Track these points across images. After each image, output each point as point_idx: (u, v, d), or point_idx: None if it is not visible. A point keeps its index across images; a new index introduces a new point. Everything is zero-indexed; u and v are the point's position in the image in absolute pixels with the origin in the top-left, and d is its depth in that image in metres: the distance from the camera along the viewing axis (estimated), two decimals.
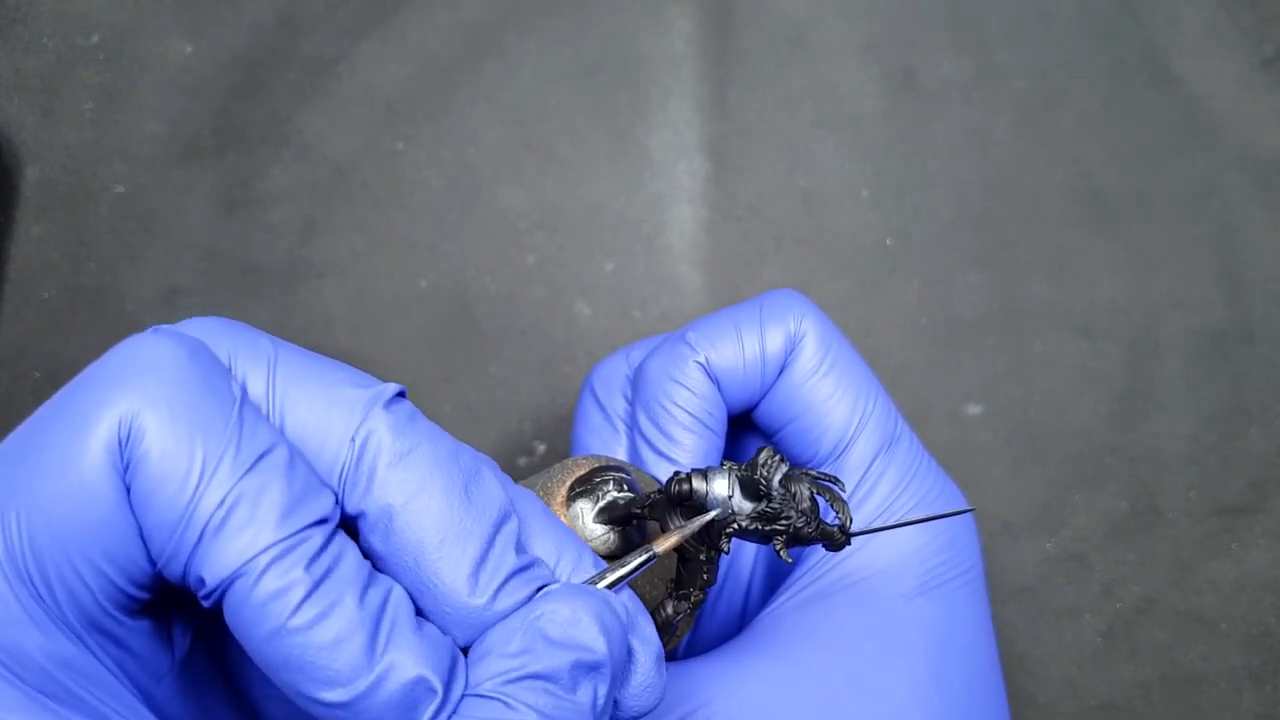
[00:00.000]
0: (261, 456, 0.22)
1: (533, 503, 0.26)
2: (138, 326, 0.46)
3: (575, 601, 0.23)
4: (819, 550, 0.34)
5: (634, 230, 0.47)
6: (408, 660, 0.22)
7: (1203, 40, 0.49)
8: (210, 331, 0.24)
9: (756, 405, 0.35)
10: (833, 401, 0.34)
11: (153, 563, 0.22)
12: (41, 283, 0.47)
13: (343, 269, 0.47)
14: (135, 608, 0.23)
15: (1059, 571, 0.45)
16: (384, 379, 0.25)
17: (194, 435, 0.22)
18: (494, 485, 0.25)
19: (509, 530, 0.24)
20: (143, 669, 0.24)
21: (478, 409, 0.46)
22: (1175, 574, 0.45)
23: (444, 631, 0.23)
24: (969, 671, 0.33)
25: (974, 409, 0.46)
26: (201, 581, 0.22)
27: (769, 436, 0.36)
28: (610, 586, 0.25)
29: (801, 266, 0.47)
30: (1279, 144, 0.48)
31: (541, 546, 0.25)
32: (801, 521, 0.26)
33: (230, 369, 0.24)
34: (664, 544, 0.26)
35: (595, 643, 0.23)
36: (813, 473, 0.27)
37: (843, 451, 0.34)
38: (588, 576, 0.25)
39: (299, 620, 0.21)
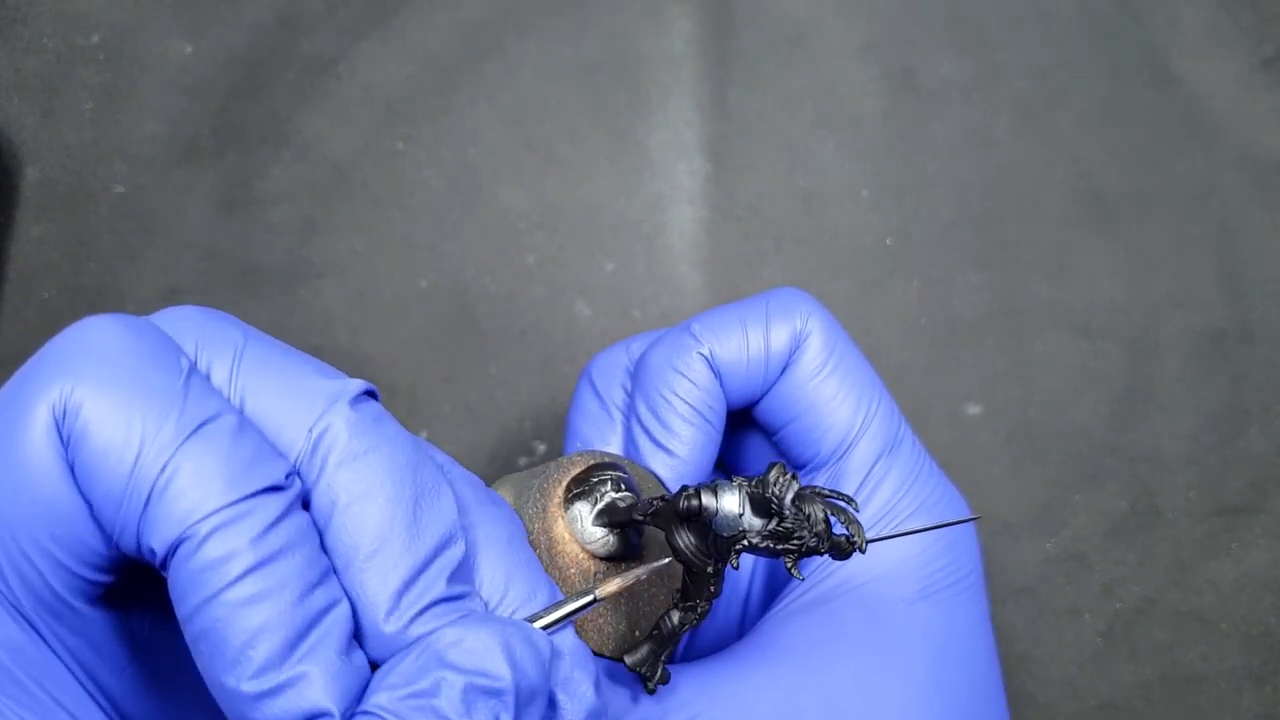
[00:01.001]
0: (207, 422, 0.22)
1: (501, 528, 0.25)
2: None
3: (482, 629, 0.22)
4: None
5: (634, 230, 0.47)
6: (319, 679, 0.21)
7: (1203, 40, 0.49)
8: (179, 319, 0.24)
9: (757, 402, 0.35)
10: (836, 402, 0.34)
11: (107, 541, 0.22)
12: (41, 283, 0.47)
13: (343, 269, 0.47)
14: (94, 594, 0.23)
15: (1059, 571, 0.45)
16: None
17: (133, 405, 0.21)
18: (448, 506, 0.24)
19: (450, 555, 0.23)
20: (102, 660, 0.24)
21: (478, 409, 0.46)
22: (1175, 574, 0.45)
23: (363, 648, 0.23)
24: (970, 675, 0.33)
25: (974, 409, 0.46)
26: (153, 552, 0.21)
27: (769, 435, 0.36)
28: (545, 627, 0.24)
29: (801, 266, 0.47)
30: (1279, 144, 0.48)
31: (491, 577, 0.24)
32: (815, 541, 0.26)
33: (195, 355, 0.23)
34: (607, 589, 0.26)
35: (497, 669, 0.22)
36: (825, 491, 0.26)
37: (845, 453, 0.34)
38: (537, 613, 0.24)
39: (232, 595, 0.21)
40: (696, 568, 0.28)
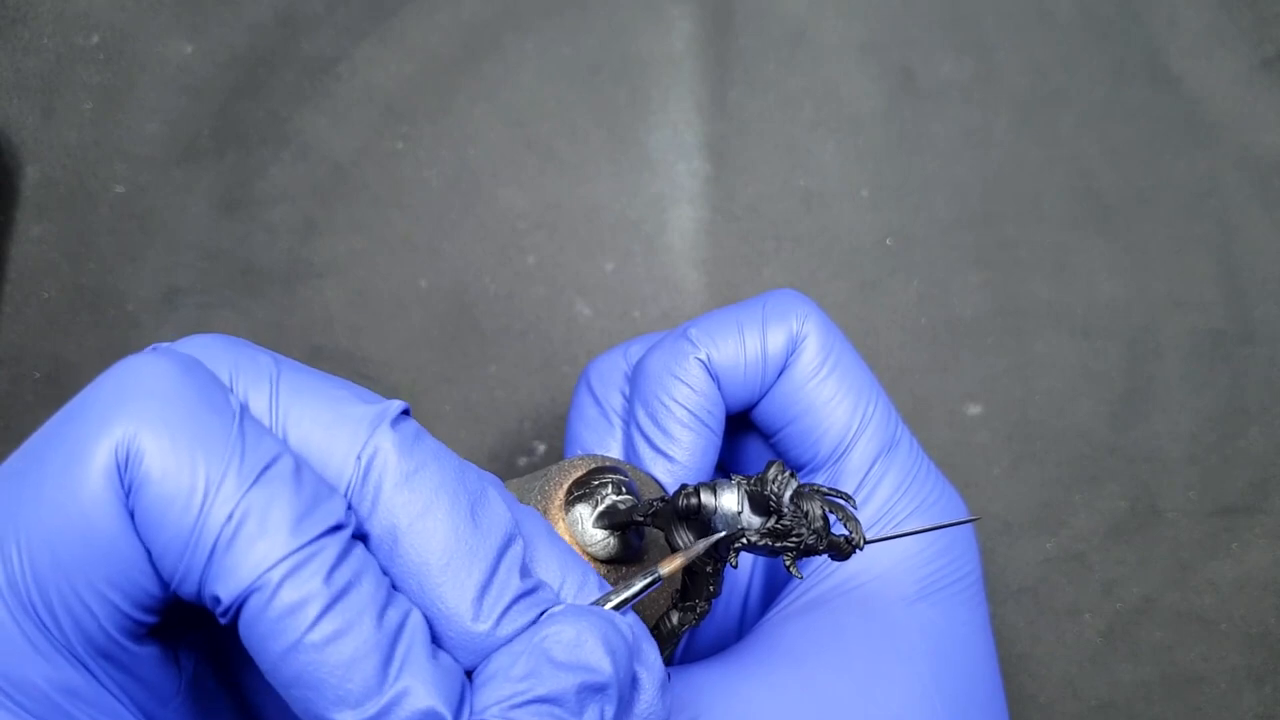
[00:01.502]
0: (267, 467, 0.22)
1: (537, 522, 0.26)
2: (138, 326, 0.46)
3: (580, 623, 0.23)
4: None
5: (634, 230, 0.47)
6: (420, 688, 0.21)
7: (1203, 40, 0.49)
8: (209, 349, 0.24)
9: (755, 405, 0.35)
10: (833, 404, 0.34)
11: (163, 586, 0.22)
12: (41, 283, 0.47)
13: (343, 269, 0.47)
14: (141, 633, 0.23)
15: (1059, 571, 0.45)
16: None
17: (195, 452, 0.21)
18: (500, 506, 0.24)
19: (514, 553, 0.24)
20: (150, 693, 0.24)
21: (478, 409, 0.46)
22: (1175, 574, 0.45)
23: (449, 654, 0.23)
24: (970, 675, 0.33)
25: (974, 409, 0.46)
26: (217, 600, 0.21)
27: (767, 437, 0.36)
28: (615, 609, 0.25)
29: (801, 266, 0.47)
30: (1279, 144, 0.48)
31: (546, 569, 0.25)
32: (813, 539, 0.26)
33: (231, 386, 0.23)
34: (669, 566, 0.26)
35: (601, 664, 0.22)
36: (823, 489, 0.27)
37: (843, 454, 0.34)
38: (592, 599, 0.25)
39: (315, 636, 0.21)
40: (695, 567, 0.28)
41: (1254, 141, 0.48)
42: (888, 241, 0.48)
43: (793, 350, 0.34)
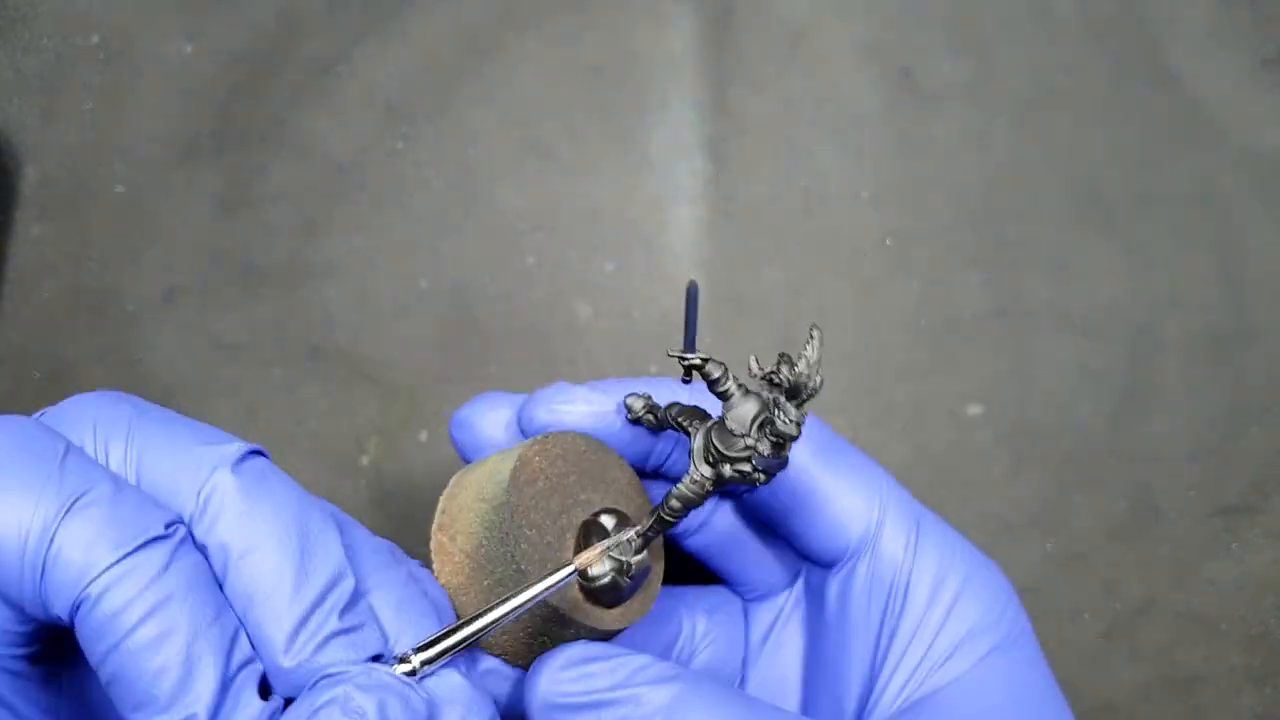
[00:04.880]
0: (84, 493, 0.24)
1: (386, 565, 0.27)
2: (138, 326, 0.46)
3: (364, 692, 0.24)
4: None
5: (634, 230, 0.47)
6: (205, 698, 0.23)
7: (1203, 40, 0.49)
8: (79, 405, 0.26)
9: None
10: (845, 486, 0.34)
11: (25, 617, 0.24)
12: (41, 283, 0.47)
13: (343, 269, 0.47)
14: (29, 659, 0.25)
15: (1059, 571, 0.45)
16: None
17: (13, 494, 0.23)
18: (333, 548, 0.26)
19: (339, 593, 0.25)
20: (39, 710, 0.26)
21: None
22: (1175, 574, 0.45)
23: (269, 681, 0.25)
24: None
25: (974, 409, 0.46)
26: (58, 618, 0.23)
27: (772, 527, 0.35)
28: (432, 659, 0.26)
29: (801, 266, 0.47)
30: (1279, 144, 0.48)
31: (383, 611, 0.26)
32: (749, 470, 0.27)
33: (95, 434, 0.25)
34: (583, 558, 0.28)
35: None
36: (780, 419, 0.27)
37: (876, 536, 0.33)
38: (424, 641, 0.26)
39: (132, 642, 0.23)
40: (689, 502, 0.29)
41: (1254, 141, 0.48)
42: (888, 241, 0.48)
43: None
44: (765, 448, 0.27)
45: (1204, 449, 0.46)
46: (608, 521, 0.31)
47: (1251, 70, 0.48)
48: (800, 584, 0.36)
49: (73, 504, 0.23)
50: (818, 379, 0.26)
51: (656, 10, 0.49)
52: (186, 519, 0.25)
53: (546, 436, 0.32)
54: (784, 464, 0.28)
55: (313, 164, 0.47)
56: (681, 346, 0.29)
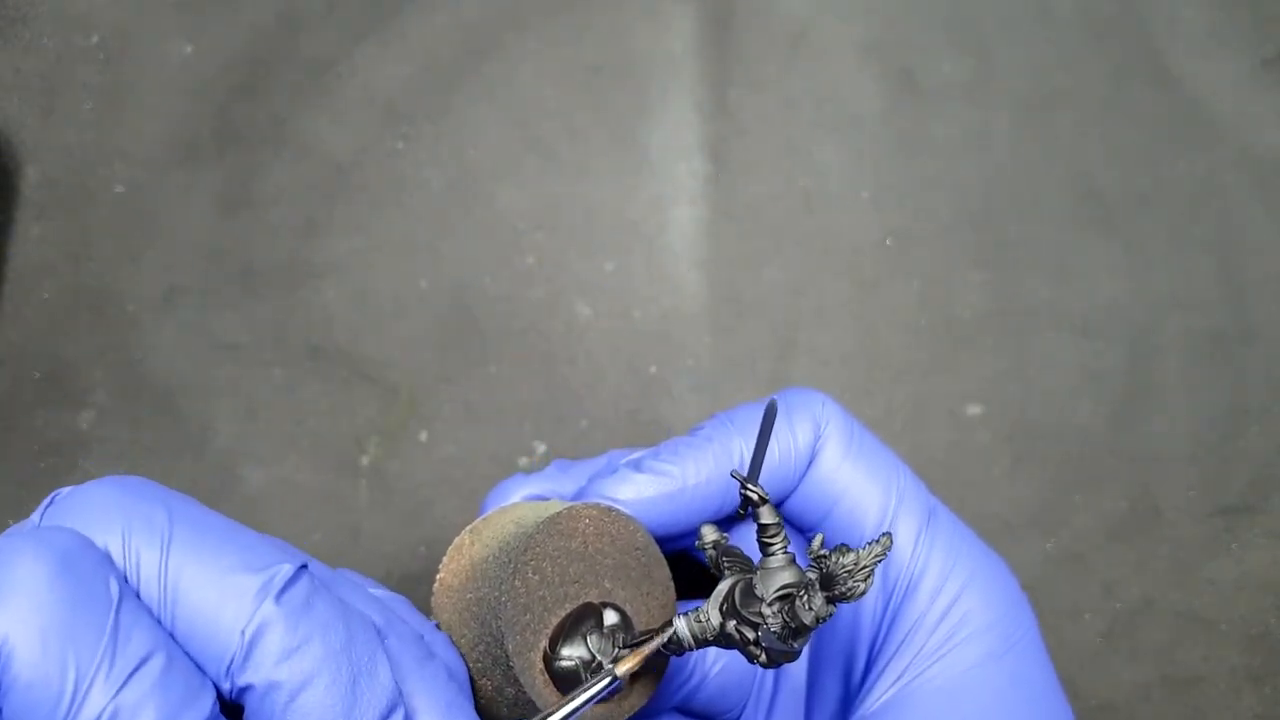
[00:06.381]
0: (137, 669, 0.23)
1: (421, 661, 0.27)
2: (138, 326, 0.46)
3: None
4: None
5: (634, 230, 0.47)
6: None
7: (1203, 40, 0.49)
8: (105, 506, 0.25)
9: (785, 500, 0.35)
10: (866, 484, 0.34)
11: None
12: (41, 283, 0.47)
13: (343, 269, 0.47)
14: None
15: (1059, 571, 0.45)
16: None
17: (65, 653, 0.22)
18: (385, 679, 0.25)
19: None
20: None
21: (478, 409, 0.46)
22: (1175, 574, 0.45)
23: None
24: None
25: (974, 409, 0.46)
26: None
27: (803, 531, 0.36)
28: None
29: (801, 266, 0.47)
30: (1279, 144, 0.48)
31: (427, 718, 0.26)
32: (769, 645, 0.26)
33: (123, 544, 0.24)
34: (626, 665, 0.27)
35: None
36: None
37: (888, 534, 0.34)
38: None
39: None
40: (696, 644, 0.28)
41: (1254, 141, 0.48)
42: (888, 241, 0.48)
43: (818, 438, 0.34)
44: (776, 625, 0.26)
45: (1204, 449, 0.46)
46: (609, 616, 0.30)
47: (1251, 70, 0.48)
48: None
49: (127, 679, 0.22)
50: (860, 584, 0.25)
51: (656, 10, 0.49)
52: (228, 658, 0.24)
53: (612, 510, 0.31)
54: (791, 656, 0.26)
55: (313, 164, 0.48)
56: (746, 473, 0.28)
